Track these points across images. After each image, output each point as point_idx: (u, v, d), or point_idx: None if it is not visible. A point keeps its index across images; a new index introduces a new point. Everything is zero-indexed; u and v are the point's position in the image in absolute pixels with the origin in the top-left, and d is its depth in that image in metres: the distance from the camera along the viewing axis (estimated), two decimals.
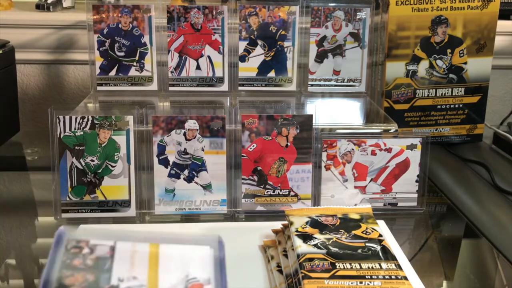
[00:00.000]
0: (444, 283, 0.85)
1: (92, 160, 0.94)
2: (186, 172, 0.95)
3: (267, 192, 0.97)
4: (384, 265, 0.69)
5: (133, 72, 1.20)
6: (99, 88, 1.20)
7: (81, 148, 0.93)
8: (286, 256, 0.76)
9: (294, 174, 0.96)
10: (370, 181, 0.98)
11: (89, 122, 0.93)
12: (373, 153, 0.98)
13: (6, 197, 1.08)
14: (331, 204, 0.97)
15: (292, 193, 0.97)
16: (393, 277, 0.67)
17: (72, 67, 1.50)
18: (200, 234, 0.58)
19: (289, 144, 0.96)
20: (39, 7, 1.46)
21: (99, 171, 0.94)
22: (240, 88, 1.22)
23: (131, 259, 0.44)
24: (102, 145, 0.94)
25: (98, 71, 1.20)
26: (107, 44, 1.19)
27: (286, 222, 0.80)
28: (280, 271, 0.75)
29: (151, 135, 0.94)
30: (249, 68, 1.22)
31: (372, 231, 0.76)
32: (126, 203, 0.94)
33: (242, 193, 0.96)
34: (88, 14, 1.17)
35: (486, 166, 1.15)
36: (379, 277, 0.67)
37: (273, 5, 1.20)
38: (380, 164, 0.98)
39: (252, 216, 0.96)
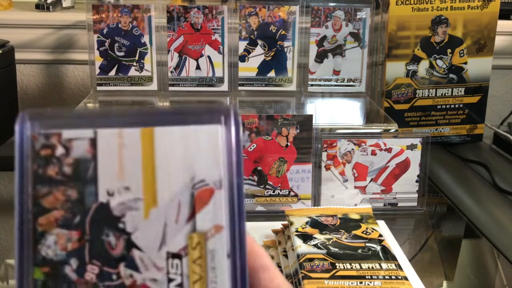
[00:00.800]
0: (444, 283, 0.85)
1: None
2: None
3: (267, 192, 0.96)
4: (384, 265, 0.69)
5: (133, 72, 1.20)
6: (98, 88, 1.20)
7: None
8: (286, 256, 0.76)
9: (294, 174, 0.96)
10: (370, 181, 0.98)
11: None
12: (373, 153, 0.98)
13: (6, 197, 1.08)
14: (331, 204, 0.97)
15: (292, 193, 0.97)
16: (393, 277, 0.67)
17: (72, 67, 1.50)
18: (206, 104, 0.41)
19: (289, 144, 0.96)
20: (38, 7, 1.46)
21: None
22: (240, 88, 1.22)
23: (119, 159, 0.32)
24: None
25: (98, 71, 1.20)
26: (106, 44, 1.19)
27: (286, 222, 0.80)
28: (280, 271, 0.75)
29: None
30: (249, 68, 1.22)
31: (372, 231, 0.76)
32: None
33: None
34: (87, 14, 1.17)
35: (486, 166, 1.15)
36: (379, 277, 0.67)
37: (273, 5, 1.19)
38: (380, 164, 0.98)
39: (252, 216, 0.96)
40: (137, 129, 0.32)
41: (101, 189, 0.32)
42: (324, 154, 0.97)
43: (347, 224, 0.78)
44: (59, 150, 0.32)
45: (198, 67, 1.21)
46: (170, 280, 0.32)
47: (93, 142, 0.32)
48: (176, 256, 0.32)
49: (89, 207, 0.31)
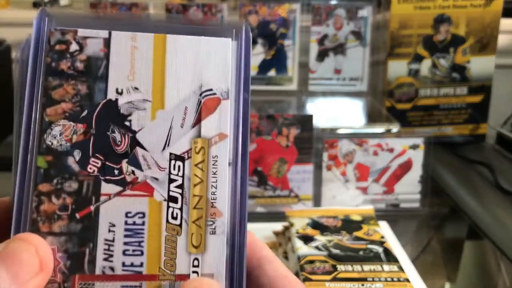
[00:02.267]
0: (447, 285, 0.85)
1: None
2: None
3: (267, 193, 0.96)
4: (386, 267, 0.68)
5: None
6: None
7: None
8: (286, 258, 0.76)
9: (295, 174, 0.96)
10: (372, 181, 0.98)
11: None
12: (375, 153, 0.97)
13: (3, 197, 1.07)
14: (332, 205, 0.97)
15: (292, 194, 0.96)
16: (395, 279, 0.66)
17: None
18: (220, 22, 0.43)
19: (289, 144, 0.95)
20: (36, 5, 1.46)
21: None
22: None
23: (131, 60, 0.34)
24: None
25: None
26: None
27: (286, 224, 0.80)
28: None
29: None
30: None
31: (374, 233, 0.76)
32: None
33: None
34: (85, 12, 1.17)
35: (489, 167, 1.14)
36: (381, 279, 0.66)
37: (273, 3, 1.19)
38: (382, 164, 0.97)
39: (252, 217, 0.96)
40: (151, 34, 0.34)
41: (110, 87, 0.33)
42: (325, 154, 0.96)
43: (349, 225, 0.78)
44: (73, 46, 0.33)
45: None
46: (171, 181, 0.33)
47: (107, 42, 0.33)
48: (179, 158, 0.33)
49: (97, 103, 0.33)
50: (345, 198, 0.98)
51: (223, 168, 0.33)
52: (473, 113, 1.25)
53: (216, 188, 0.33)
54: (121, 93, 0.33)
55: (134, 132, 0.33)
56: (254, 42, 1.20)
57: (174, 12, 1.17)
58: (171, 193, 0.33)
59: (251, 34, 0.35)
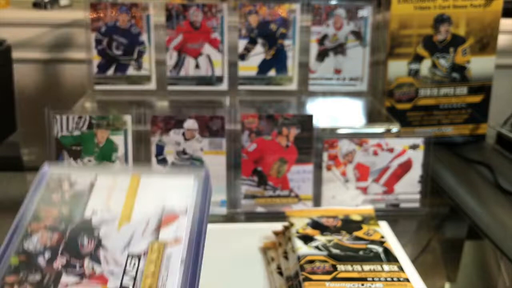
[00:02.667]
0: (447, 285, 0.85)
1: (90, 161, 0.93)
2: None
3: (267, 193, 0.96)
4: (386, 267, 0.68)
5: (131, 71, 1.20)
6: (96, 87, 1.20)
7: (78, 148, 0.93)
8: (286, 258, 0.76)
9: (295, 174, 0.96)
10: (372, 181, 0.98)
11: (87, 122, 0.93)
12: (375, 153, 0.97)
13: (2, 198, 1.07)
14: (332, 205, 0.97)
15: (292, 194, 0.96)
16: (395, 279, 0.67)
17: (69, 66, 1.50)
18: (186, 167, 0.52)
19: (289, 144, 0.95)
20: (36, 5, 1.46)
21: None
22: (240, 87, 1.22)
23: (109, 191, 0.44)
24: (100, 146, 0.93)
25: (95, 70, 1.19)
26: (104, 42, 1.18)
27: (286, 224, 0.80)
28: (281, 273, 0.75)
29: (149, 135, 0.94)
30: (249, 67, 1.21)
31: (374, 233, 0.76)
32: None
33: (242, 194, 0.96)
34: (85, 12, 1.17)
35: (489, 167, 1.14)
36: (381, 279, 0.66)
37: (273, 3, 1.19)
38: (382, 164, 0.98)
39: (252, 217, 0.96)
40: (128, 175, 0.45)
41: (88, 209, 0.43)
42: (325, 154, 0.97)
43: (349, 225, 0.78)
44: (65, 186, 0.45)
45: (197, 66, 1.20)
46: (126, 273, 0.40)
47: (92, 182, 0.45)
48: (136, 256, 0.41)
49: (75, 221, 0.42)
50: (345, 198, 0.98)
51: (175, 264, 0.40)
52: (473, 113, 1.26)
53: (166, 279, 0.39)
54: (95, 213, 0.42)
55: (100, 239, 0.41)
56: (255, 42, 1.20)
57: (174, 12, 1.17)
58: (124, 283, 0.39)
59: (210, 174, 0.46)
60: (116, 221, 0.42)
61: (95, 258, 0.41)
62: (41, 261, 0.41)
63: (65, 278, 0.40)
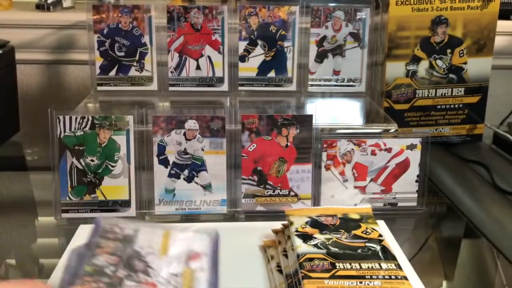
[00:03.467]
0: (444, 283, 0.85)
1: (92, 160, 0.94)
2: (186, 172, 0.95)
3: (267, 192, 0.97)
4: (384, 265, 0.69)
5: (133, 72, 1.20)
6: (99, 88, 1.21)
7: (81, 148, 0.93)
8: (286, 256, 0.76)
9: (294, 174, 0.96)
10: (370, 181, 0.98)
11: (89, 122, 0.93)
12: (373, 153, 0.98)
13: (6, 197, 1.08)
14: (331, 204, 0.97)
15: (292, 193, 0.97)
16: (393, 277, 0.67)
17: (72, 67, 1.50)
18: (202, 227, 0.76)
19: (289, 144, 0.96)
20: (39, 7, 1.46)
21: (99, 171, 0.94)
22: (240, 88, 1.22)
23: (149, 237, 0.64)
24: (102, 145, 0.94)
25: (98, 71, 1.20)
26: (107, 44, 1.19)
27: (286, 222, 0.80)
28: (280, 271, 0.75)
29: (151, 135, 0.94)
30: (249, 68, 1.22)
31: (372, 231, 0.76)
32: (126, 203, 0.94)
33: (242, 193, 0.96)
34: (88, 14, 1.17)
35: (486, 166, 1.15)
36: (379, 277, 0.67)
37: (273, 5, 1.20)
38: (380, 164, 0.98)
39: (252, 216, 0.96)
40: (162, 230, 0.66)
41: (136, 245, 0.63)
42: (324, 154, 0.97)
43: (347, 224, 0.78)
44: (117, 229, 0.64)
45: (198, 67, 1.21)
46: (169, 283, 0.59)
47: (136, 230, 0.65)
48: (175, 275, 0.61)
49: (128, 251, 0.61)
50: (343, 197, 0.98)
51: (201, 281, 0.60)
52: (470, 113, 1.26)
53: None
54: (142, 248, 0.62)
55: (147, 262, 0.61)
56: (255, 44, 1.21)
57: (175, 14, 1.18)
58: None
59: (219, 234, 0.68)
60: (157, 254, 0.62)
61: (146, 273, 0.60)
62: (108, 271, 0.58)
63: (127, 282, 0.58)
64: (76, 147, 0.93)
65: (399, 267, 0.69)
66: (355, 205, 0.98)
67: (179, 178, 0.95)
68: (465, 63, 1.23)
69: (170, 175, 0.95)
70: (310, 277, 0.66)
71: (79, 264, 0.58)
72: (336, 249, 0.71)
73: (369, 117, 1.17)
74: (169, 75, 1.21)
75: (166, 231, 0.65)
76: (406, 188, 0.99)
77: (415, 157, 0.98)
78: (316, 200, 0.98)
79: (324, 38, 1.23)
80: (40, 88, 1.52)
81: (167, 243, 0.64)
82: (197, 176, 0.96)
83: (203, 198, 0.96)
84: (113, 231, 0.64)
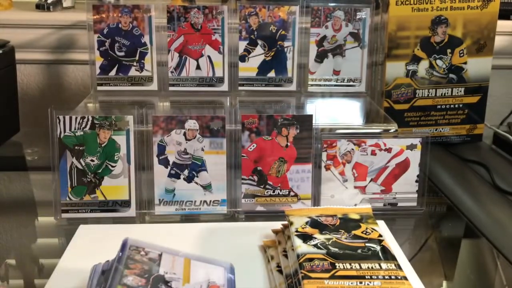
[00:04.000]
0: (444, 283, 0.85)
1: (92, 160, 0.94)
2: (186, 172, 0.95)
3: (267, 192, 0.97)
4: (384, 265, 0.69)
5: (133, 72, 1.20)
6: (99, 88, 1.21)
7: (81, 148, 0.93)
8: (286, 256, 0.76)
9: (294, 174, 0.97)
10: (370, 181, 0.98)
11: (89, 122, 0.93)
12: (373, 153, 0.98)
13: (6, 197, 1.08)
14: (331, 204, 0.97)
15: (292, 193, 0.97)
16: (393, 277, 0.67)
17: (72, 67, 1.50)
18: (217, 259, 0.76)
19: (289, 144, 0.96)
20: (39, 7, 1.46)
21: (99, 171, 0.94)
22: (240, 88, 1.22)
23: (172, 263, 0.69)
24: (102, 145, 0.94)
25: (98, 71, 1.20)
26: (107, 44, 1.19)
27: (286, 222, 0.80)
28: (280, 271, 0.75)
29: (151, 135, 0.94)
30: (249, 68, 1.22)
31: (372, 231, 0.76)
32: (126, 203, 0.94)
33: (242, 193, 0.96)
34: (88, 14, 1.17)
35: (486, 166, 1.15)
36: (379, 277, 0.67)
37: (273, 5, 1.20)
38: (380, 164, 0.98)
39: (252, 216, 0.96)
40: (182, 258, 0.71)
41: (161, 270, 0.67)
42: (324, 154, 0.97)
43: (347, 224, 0.78)
44: (142, 252, 0.69)
45: (198, 67, 1.21)
46: None
47: (160, 255, 0.70)
48: None
49: (154, 274, 0.66)
50: (343, 197, 0.98)
51: None
52: (470, 113, 1.26)
53: None
54: (166, 273, 0.67)
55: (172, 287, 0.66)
56: (255, 44, 1.21)
57: (175, 14, 1.18)
58: None
59: (234, 268, 0.74)
60: (181, 280, 0.67)
61: None
62: None
63: None
64: (76, 147, 0.93)
65: (399, 267, 0.69)
66: (355, 205, 0.98)
67: (179, 178, 0.95)
68: (465, 63, 1.23)
69: (170, 175, 0.95)
70: (310, 277, 0.66)
71: (112, 282, 0.62)
72: (336, 249, 0.71)
73: (369, 117, 1.17)
74: (169, 75, 1.21)
75: (186, 259, 0.71)
76: (406, 188, 0.99)
77: (415, 157, 0.98)
78: (316, 200, 0.98)
79: (324, 38, 1.23)
80: (40, 88, 1.52)
81: (188, 270, 0.69)
82: (197, 176, 0.96)
83: (203, 198, 0.96)
84: (139, 253, 0.69)
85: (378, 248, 0.72)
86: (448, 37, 1.21)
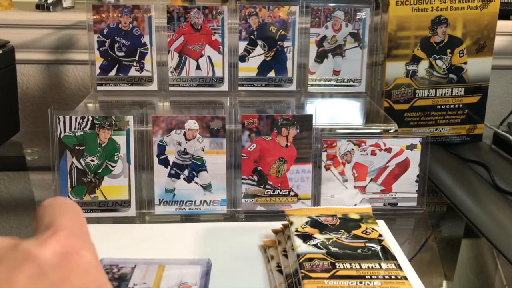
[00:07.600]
0: (444, 283, 0.85)
1: (92, 160, 0.94)
2: (186, 172, 0.95)
3: (267, 192, 0.97)
4: (384, 265, 0.69)
5: (133, 72, 1.20)
6: (99, 88, 1.21)
7: (81, 148, 0.94)
8: (286, 256, 0.76)
9: (294, 174, 0.97)
10: (370, 181, 0.98)
11: (89, 122, 0.93)
12: (373, 153, 0.98)
13: (6, 197, 1.08)
14: (331, 204, 0.97)
15: (292, 193, 0.97)
16: (393, 277, 0.67)
17: (72, 67, 1.50)
18: (195, 258, 0.78)
19: (289, 144, 0.96)
20: (39, 7, 1.46)
21: (99, 171, 0.94)
22: (240, 88, 1.22)
23: (144, 273, 0.70)
24: (102, 145, 0.94)
25: (98, 71, 1.20)
26: (107, 44, 1.19)
27: (286, 222, 0.80)
28: (280, 271, 0.75)
29: (151, 135, 0.94)
30: (249, 68, 1.22)
31: (372, 231, 0.76)
32: (126, 203, 0.94)
33: (242, 193, 0.96)
34: (88, 14, 1.17)
35: (486, 166, 1.15)
36: (379, 277, 0.67)
37: (273, 5, 1.20)
38: (380, 164, 0.98)
39: (252, 216, 0.97)
40: (157, 265, 0.73)
41: (130, 283, 0.69)
42: (324, 154, 0.97)
43: (347, 224, 0.78)
44: (115, 269, 0.71)
45: (198, 67, 1.21)
46: None
47: (133, 268, 0.72)
48: None
49: None
50: (343, 197, 0.98)
51: None
52: (470, 113, 1.26)
53: None
54: (136, 284, 0.68)
55: None
56: (254, 44, 1.21)
57: (175, 14, 1.18)
58: None
59: (211, 263, 0.74)
60: None
61: None
62: None
63: None
64: (76, 147, 0.93)
65: (399, 267, 0.69)
66: (355, 205, 0.98)
67: (179, 178, 0.95)
68: (465, 63, 1.23)
69: (170, 175, 0.95)
70: (310, 277, 0.66)
71: None
72: (336, 249, 0.71)
73: (369, 117, 1.17)
74: (169, 75, 1.21)
75: (160, 266, 0.72)
76: (406, 188, 0.99)
77: (415, 157, 0.98)
78: (316, 200, 0.98)
79: (324, 38, 1.23)
80: (40, 88, 1.52)
81: (160, 277, 0.70)
82: (197, 176, 0.96)
83: (203, 198, 0.96)
84: (111, 270, 0.70)
85: (378, 248, 0.72)
86: (448, 37, 1.21)
